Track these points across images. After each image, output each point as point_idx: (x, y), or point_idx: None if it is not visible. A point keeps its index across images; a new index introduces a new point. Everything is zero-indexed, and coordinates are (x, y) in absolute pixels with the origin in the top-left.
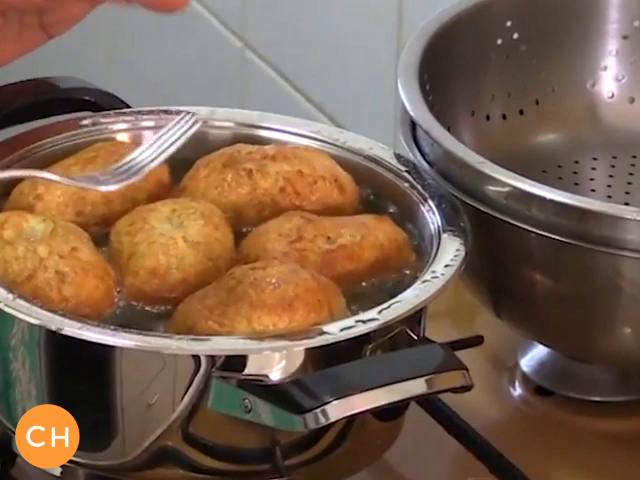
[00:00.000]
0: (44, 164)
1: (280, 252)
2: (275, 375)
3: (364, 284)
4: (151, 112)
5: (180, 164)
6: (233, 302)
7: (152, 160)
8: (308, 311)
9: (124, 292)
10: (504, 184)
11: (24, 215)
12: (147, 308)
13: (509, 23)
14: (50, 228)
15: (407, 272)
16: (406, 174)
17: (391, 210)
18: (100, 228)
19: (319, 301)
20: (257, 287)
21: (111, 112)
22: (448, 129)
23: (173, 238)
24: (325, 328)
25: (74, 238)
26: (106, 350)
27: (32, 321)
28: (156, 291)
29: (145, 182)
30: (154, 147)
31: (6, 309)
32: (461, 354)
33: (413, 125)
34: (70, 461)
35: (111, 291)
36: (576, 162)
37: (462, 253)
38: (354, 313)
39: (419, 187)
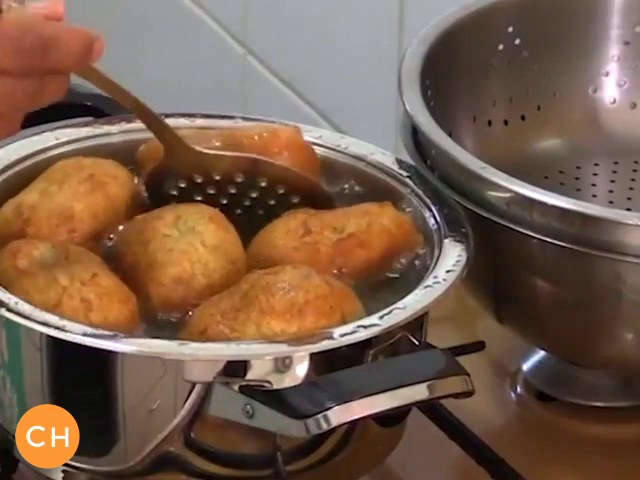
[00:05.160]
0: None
1: (291, 248)
2: (277, 380)
3: (391, 275)
4: None
5: None
6: (244, 307)
7: None
8: (318, 317)
9: (148, 304)
10: (505, 189)
11: (33, 242)
12: (169, 319)
13: (510, 29)
14: (63, 254)
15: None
16: (407, 179)
17: None
18: (91, 244)
19: (331, 307)
20: (268, 292)
21: (112, 117)
22: (449, 134)
23: (192, 244)
24: (326, 334)
25: (90, 263)
26: (108, 355)
27: (34, 327)
28: (183, 298)
29: (122, 191)
30: None
31: (7, 314)
32: (463, 360)
33: (415, 130)
34: (71, 466)
35: (134, 314)
36: (578, 168)
37: (464, 259)
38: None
39: (420, 192)
